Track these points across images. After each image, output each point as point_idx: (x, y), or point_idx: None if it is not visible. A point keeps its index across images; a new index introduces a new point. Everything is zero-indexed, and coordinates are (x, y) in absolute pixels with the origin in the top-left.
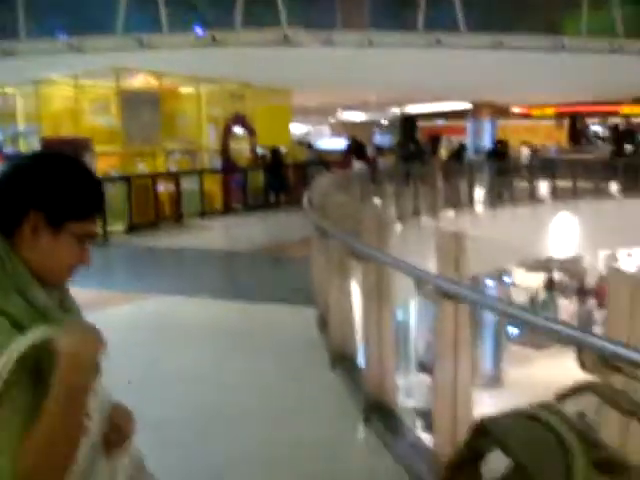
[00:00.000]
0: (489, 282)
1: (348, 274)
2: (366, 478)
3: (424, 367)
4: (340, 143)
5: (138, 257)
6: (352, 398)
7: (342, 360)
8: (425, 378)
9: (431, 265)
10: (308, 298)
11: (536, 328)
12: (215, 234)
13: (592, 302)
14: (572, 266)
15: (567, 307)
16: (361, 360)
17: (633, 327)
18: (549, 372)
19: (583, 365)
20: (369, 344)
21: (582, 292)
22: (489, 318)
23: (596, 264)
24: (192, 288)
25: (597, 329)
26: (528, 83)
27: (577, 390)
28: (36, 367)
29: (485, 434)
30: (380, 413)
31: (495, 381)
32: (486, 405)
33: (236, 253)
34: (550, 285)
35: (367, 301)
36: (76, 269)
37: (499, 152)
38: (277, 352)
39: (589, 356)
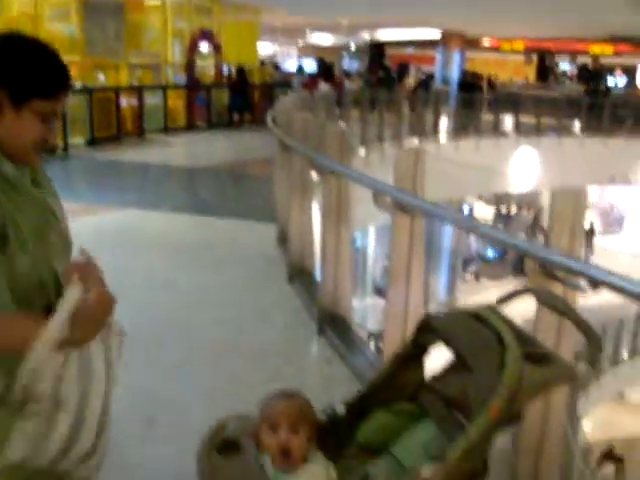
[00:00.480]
0: None
1: (309, 191)
2: (319, 382)
3: (379, 291)
4: (308, 65)
5: (100, 170)
6: (308, 310)
7: (300, 274)
8: (380, 302)
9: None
10: (269, 215)
11: (486, 239)
12: (178, 150)
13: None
14: (530, 201)
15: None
16: (318, 275)
17: (573, 240)
18: None
19: (525, 273)
20: (326, 259)
21: (534, 226)
22: (446, 247)
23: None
24: (155, 202)
25: None
26: (498, 12)
27: (516, 294)
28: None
29: (429, 330)
30: (334, 325)
31: (448, 308)
32: None
33: (199, 169)
34: (500, 218)
35: (327, 216)
36: (42, 147)
37: (467, 83)
38: (237, 264)
39: (531, 265)
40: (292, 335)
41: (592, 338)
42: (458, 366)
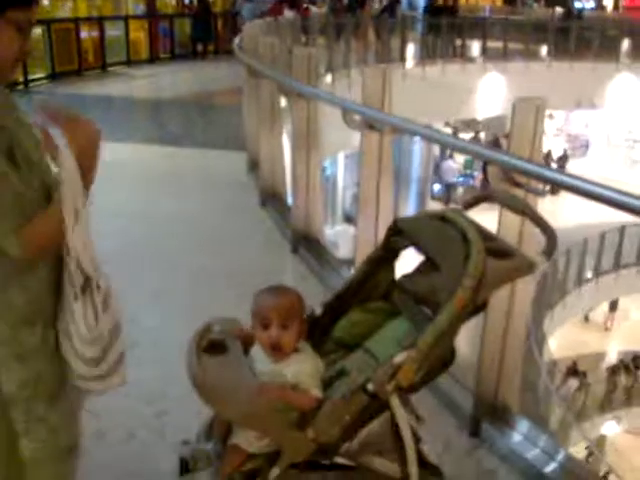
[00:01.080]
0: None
1: (278, 117)
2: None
3: (349, 219)
4: None
5: (63, 104)
6: (281, 232)
7: (271, 199)
8: (350, 229)
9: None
10: (238, 143)
11: (454, 148)
12: (142, 83)
13: None
14: (497, 125)
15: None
16: (289, 199)
17: (533, 147)
18: None
19: (487, 180)
20: (298, 182)
21: (496, 144)
22: (414, 176)
23: None
24: (121, 134)
25: None
26: None
27: (480, 198)
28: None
29: (399, 233)
30: (307, 245)
31: None
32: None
33: (165, 101)
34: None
35: (297, 139)
36: (22, 60)
37: (435, 8)
38: (209, 192)
39: (494, 171)
40: (267, 255)
41: (549, 232)
42: (427, 266)
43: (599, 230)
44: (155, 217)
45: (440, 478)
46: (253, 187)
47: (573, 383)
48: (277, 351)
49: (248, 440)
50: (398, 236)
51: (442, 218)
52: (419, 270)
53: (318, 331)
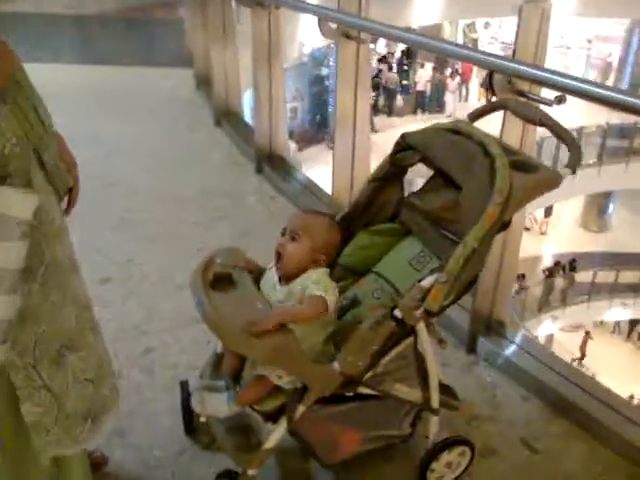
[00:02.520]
0: None
1: (232, 27)
2: (267, 217)
3: (290, 134)
4: None
5: None
6: (241, 151)
7: (226, 116)
8: (292, 145)
9: None
10: (182, 59)
11: (453, 55)
12: None
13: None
14: (432, 33)
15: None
16: (247, 115)
17: (539, 50)
18: None
19: (493, 90)
20: (260, 97)
21: (440, 62)
22: None
23: (455, 33)
24: (50, 55)
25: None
26: None
27: (490, 108)
28: None
29: (407, 148)
30: (271, 163)
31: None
32: None
33: (90, 17)
34: (409, 54)
35: (258, 50)
36: None
37: None
38: (158, 112)
39: (499, 81)
40: (231, 176)
41: (571, 143)
42: (438, 182)
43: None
44: (105, 141)
45: (455, 398)
46: (204, 105)
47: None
48: (279, 262)
49: (276, 372)
50: (406, 151)
51: (455, 131)
52: (429, 187)
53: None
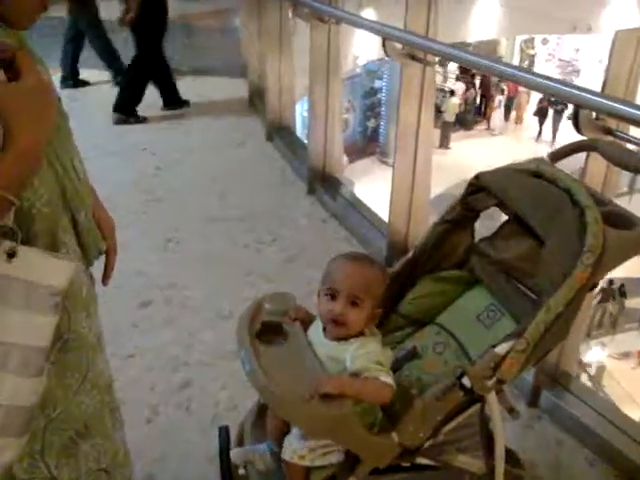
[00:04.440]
0: None
1: (290, 39)
2: (318, 242)
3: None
4: None
5: None
6: (293, 170)
7: (279, 131)
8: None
9: None
10: (234, 69)
11: (522, 83)
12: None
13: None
14: (488, 49)
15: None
16: (299, 131)
17: (631, 84)
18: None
19: (577, 127)
20: (316, 114)
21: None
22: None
23: (512, 49)
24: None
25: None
26: None
27: (576, 147)
28: None
29: (481, 190)
30: (324, 184)
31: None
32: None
33: None
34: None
35: (316, 66)
36: (38, 14)
37: None
38: (209, 125)
39: (585, 116)
40: (281, 196)
41: None
42: (513, 229)
43: None
44: (155, 152)
45: (519, 465)
46: (257, 118)
47: None
48: (338, 328)
49: (304, 452)
50: (480, 193)
51: (536, 174)
52: (503, 233)
53: (384, 303)
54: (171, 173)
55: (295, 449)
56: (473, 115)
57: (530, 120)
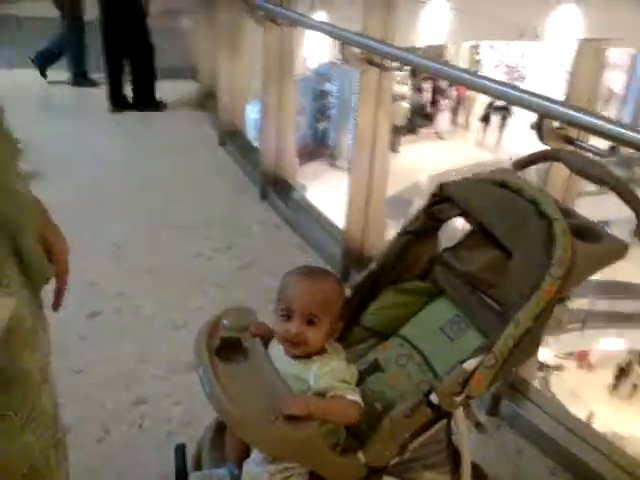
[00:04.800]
0: None
1: (242, 41)
2: (271, 250)
3: None
4: None
5: None
6: (247, 175)
7: (231, 135)
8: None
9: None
10: (184, 72)
11: (494, 94)
12: None
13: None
14: (435, 54)
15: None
16: (251, 135)
17: (592, 94)
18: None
19: (541, 136)
20: (268, 117)
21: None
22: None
23: (457, 55)
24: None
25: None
26: None
27: (539, 157)
28: None
29: (446, 200)
30: (277, 188)
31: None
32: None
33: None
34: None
35: (269, 69)
36: None
37: None
38: (157, 129)
39: (548, 126)
40: (233, 202)
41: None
42: (479, 239)
43: None
44: (103, 159)
45: (484, 478)
46: (208, 123)
47: None
48: (295, 348)
49: (265, 478)
50: (444, 203)
51: (502, 184)
52: (467, 244)
53: (346, 316)
54: (120, 178)
55: (254, 476)
56: (421, 119)
57: (477, 125)
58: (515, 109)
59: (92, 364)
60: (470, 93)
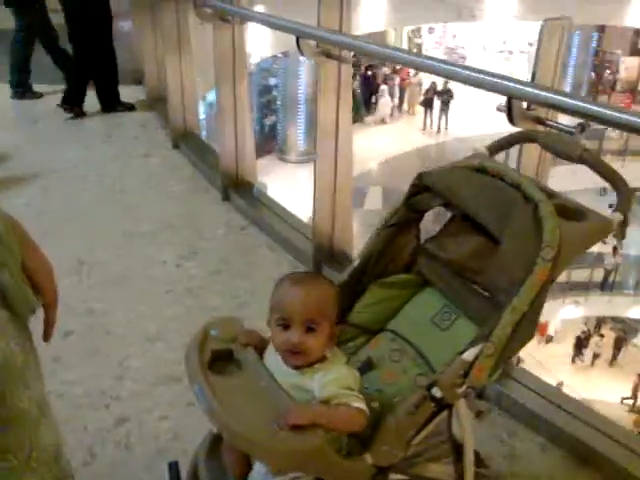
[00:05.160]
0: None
1: (189, 40)
2: (238, 251)
3: None
4: None
5: None
6: (204, 176)
7: (185, 138)
8: None
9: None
10: (127, 76)
11: (455, 78)
12: None
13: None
14: (377, 41)
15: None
16: (205, 136)
17: (556, 74)
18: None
19: (511, 118)
20: (224, 118)
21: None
22: (302, 98)
23: (400, 39)
24: None
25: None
26: None
27: (515, 139)
28: None
29: (426, 189)
30: (239, 190)
31: (310, 154)
32: (302, 178)
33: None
34: None
35: (221, 68)
36: None
37: None
38: (107, 136)
39: (518, 107)
40: (195, 205)
41: (621, 185)
42: (461, 225)
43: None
44: (53, 170)
45: (486, 468)
46: (159, 126)
47: None
48: (296, 358)
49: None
50: (424, 194)
51: (481, 170)
52: (449, 231)
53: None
54: (72, 190)
55: None
56: (365, 108)
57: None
58: (456, 93)
59: (69, 386)
60: (414, 79)
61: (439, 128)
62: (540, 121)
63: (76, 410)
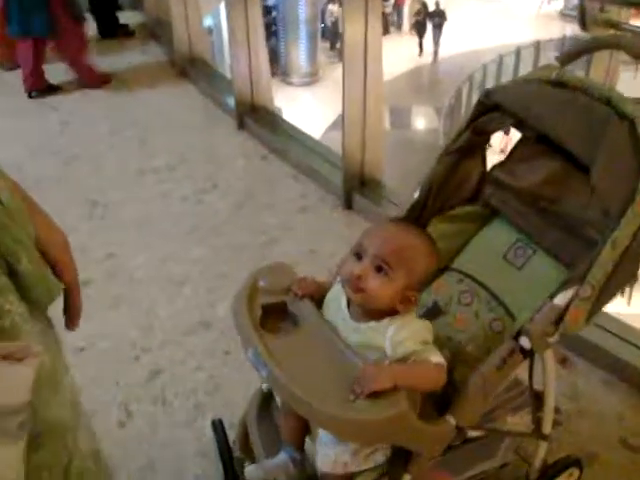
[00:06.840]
0: None
1: None
2: (262, 182)
3: None
4: None
5: None
6: (216, 104)
7: (192, 64)
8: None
9: None
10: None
11: None
12: None
13: None
14: None
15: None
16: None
17: None
18: None
19: (583, 24)
20: (236, 43)
21: None
22: (302, 17)
23: None
24: None
25: None
26: None
27: (589, 47)
28: None
29: (494, 109)
30: (255, 116)
31: (313, 76)
32: (307, 100)
33: None
34: None
35: None
36: None
37: None
38: (110, 65)
39: (591, 11)
40: (209, 135)
41: None
42: (535, 149)
43: (495, 54)
44: (58, 110)
45: (559, 414)
46: (162, 54)
47: None
48: (357, 296)
49: (346, 458)
50: (493, 113)
51: (559, 83)
52: (520, 156)
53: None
54: (80, 127)
55: (334, 458)
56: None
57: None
58: (450, 13)
59: (94, 340)
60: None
61: (436, 54)
62: (613, 25)
63: (105, 365)
